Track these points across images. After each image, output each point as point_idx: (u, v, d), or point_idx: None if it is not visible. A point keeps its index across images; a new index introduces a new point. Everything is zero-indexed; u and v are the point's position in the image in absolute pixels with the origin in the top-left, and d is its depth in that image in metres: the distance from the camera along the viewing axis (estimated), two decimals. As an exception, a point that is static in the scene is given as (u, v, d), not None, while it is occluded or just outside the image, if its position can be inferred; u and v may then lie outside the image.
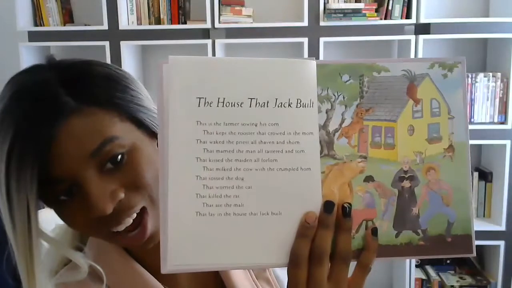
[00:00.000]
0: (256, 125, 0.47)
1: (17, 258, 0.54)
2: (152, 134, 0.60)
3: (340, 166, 0.49)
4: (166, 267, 0.46)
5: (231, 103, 0.47)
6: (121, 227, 0.56)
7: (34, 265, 0.53)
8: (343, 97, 0.49)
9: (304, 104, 0.48)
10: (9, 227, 0.53)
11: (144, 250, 0.63)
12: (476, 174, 2.44)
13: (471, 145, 2.62)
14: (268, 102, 0.47)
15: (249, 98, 0.47)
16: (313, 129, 0.48)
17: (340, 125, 0.49)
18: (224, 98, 0.46)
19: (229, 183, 0.46)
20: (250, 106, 0.47)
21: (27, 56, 2.31)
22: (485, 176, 2.44)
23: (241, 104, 0.47)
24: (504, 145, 2.30)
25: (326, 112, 0.49)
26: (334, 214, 0.48)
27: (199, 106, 0.46)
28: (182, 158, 0.46)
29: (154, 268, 0.64)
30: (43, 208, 0.56)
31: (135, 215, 0.56)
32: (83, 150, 0.52)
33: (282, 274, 0.74)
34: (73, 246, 0.65)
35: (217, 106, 0.46)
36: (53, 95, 0.53)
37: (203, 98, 0.46)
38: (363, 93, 0.49)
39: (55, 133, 0.51)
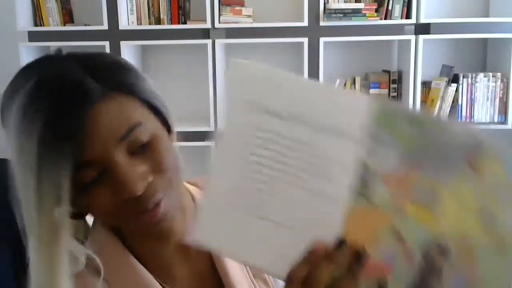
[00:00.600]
0: (301, 143, 0.47)
1: (37, 244, 0.54)
2: (164, 122, 0.61)
3: (371, 209, 0.46)
4: (192, 237, 0.50)
5: (285, 117, 0.48)
6: (146, 207, 0.56)
7: (60, 251, 0.53)
8: (397, 144, 0.46)
9: (350, 136, 0.47)
10: (34, 218, 0.53)
11: (145, 247, 0.65)
12: (476, 174, 2.44)
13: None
14: (318, 125, 0.47)
15: (301, 117, 0.47)
16: (353, 163, 0.46)
17: (385, 169, 0.46)
18: (279, 112, 0.48)
19: (261, 186, 0.48)
20: (301, 124, 0.47)
21: (27, 56, 2.32)
22: (485, 176, 2.44)
23: (292, 120, 0.47)
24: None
25: (375, 153, 0.46)
26: (345, 253, 0.46)
27: (254, 113, 0.48)
28: (231, 156, 0.49)
29: (152, 265, 0.65)
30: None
31: (159, 197, 0.57)
32: (113, 134, 0.53)
33: None
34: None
35: (270, 116, 0.48)
36: (79, 81, 0.53)
37: (260, 106, 0.48)
38: (419, 146, 0.46)
39: (86, 118, 0.52)
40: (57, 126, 0.51)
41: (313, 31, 2.28)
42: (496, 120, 2.32)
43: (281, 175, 0.47)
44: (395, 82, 2.42)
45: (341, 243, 0.46)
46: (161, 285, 0.64)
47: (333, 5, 2.27)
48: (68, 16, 2.48)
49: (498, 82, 2.29)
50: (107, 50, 2.29)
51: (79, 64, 0.55)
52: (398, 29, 2.30)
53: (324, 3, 2.28)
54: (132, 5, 2.37)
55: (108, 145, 0.53)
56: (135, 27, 2.35)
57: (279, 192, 0.47)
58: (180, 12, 2.39)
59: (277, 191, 0.47)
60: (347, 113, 0.47)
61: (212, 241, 0.50)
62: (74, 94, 0.52)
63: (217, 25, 2.28)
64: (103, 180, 0.54)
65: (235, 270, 0.69)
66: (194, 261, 0.69)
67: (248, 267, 0.71)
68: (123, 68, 0.58)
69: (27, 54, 2.32)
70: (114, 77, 0.56)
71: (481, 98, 2.31)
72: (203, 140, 2.37)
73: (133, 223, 0.58)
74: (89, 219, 0.65)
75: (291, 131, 0.47)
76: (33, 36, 2.34)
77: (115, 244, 0.65)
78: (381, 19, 2.27)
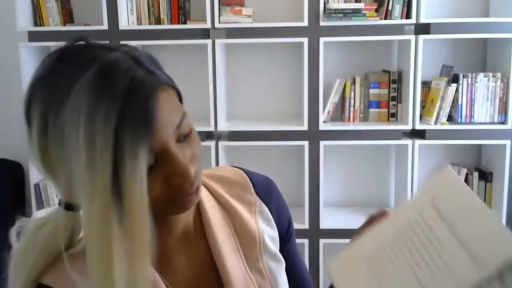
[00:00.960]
0: (438, 240, 0.52)
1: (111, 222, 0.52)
2: None
3: None
4: (329, 265, 0.60)
5: (445, 219, 0.53)
6: (192, 191, 0.60)
7: (146, 227, 0.54)
8: None
9: (480, 263, 0.49)
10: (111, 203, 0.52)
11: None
12: (476, 174, 2.44)
13: (471, 145, 2.65)
14: (462, 238, 0.51)
15: (456, 225, 0.52)
16: (466, 283, 0.48)
17: None
18: (445, 214, 0.54)
19: (391, 255, 0.55)
20: (450, 230, 0.52)
21: (27, 56, 2.32)
22: (485, 176, 2.44)
23: (449, 224, 0.53)
24: (504, 145, 2.30)
25: None
26: None
27: (429, 206, 0.56)
28: (390, 223, 0.59)
29: (152, 256, 0.65)
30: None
31: (199, 182, 0.61)
32: (171, 123, 0.57)
33: (275, 266, 0.75)
34: None
35: (435, 212, 0.55)
36: (137, 70, 0.55)
37: (436, 204, 0.55)
38: None
39: (151, 106, 0.54)
40: (131, 113, 0.52)
41: (313, 31, 2.28)
42: (496, 120, 2.32)
43: (408, 255, 0.54)
44: (395, 82, 2.42)
45: None
46: (160, 277, 0.65)
47: (333, 5, 2.27)
48: (68, 16, 2.48)
49: (498, 82, 2.29)
50: (107, 50, 2.29)
51: (126, 54, 0.56)
52: (398, 29, 2.30)
53: (324, 3, 2.28)
54: (132, 5, 2.37)
55: (168, 133, 0.56)
56: (135, 27, 2.35)
57: (398, 268, 0.53)
58: (180, 12, 2.39)
59: (397, 266, 0.54)
60: (491, 244, 0.50)
61: (336, 275, 0.59)
62: (138, 84, 0.53)
63: (217, 25, 2.28)
64: (156, 168, 0.56)
65: (232, 261, 0.70)
66: (193, 252, 0.70)
67: (244, 258, 0.72)
68: (155, 59, 0.61)
69: (27, 54, 2.32)
70: (155, 68, 0.58)
71: (481, 98, 2.31)
72: (203, 140, 2.37)
73: (175, 208, 0.61)
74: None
75: (440, 229, 0.53)
76: (33, 36, 2.34)
77: None
78: (381, 19, 2.27)
